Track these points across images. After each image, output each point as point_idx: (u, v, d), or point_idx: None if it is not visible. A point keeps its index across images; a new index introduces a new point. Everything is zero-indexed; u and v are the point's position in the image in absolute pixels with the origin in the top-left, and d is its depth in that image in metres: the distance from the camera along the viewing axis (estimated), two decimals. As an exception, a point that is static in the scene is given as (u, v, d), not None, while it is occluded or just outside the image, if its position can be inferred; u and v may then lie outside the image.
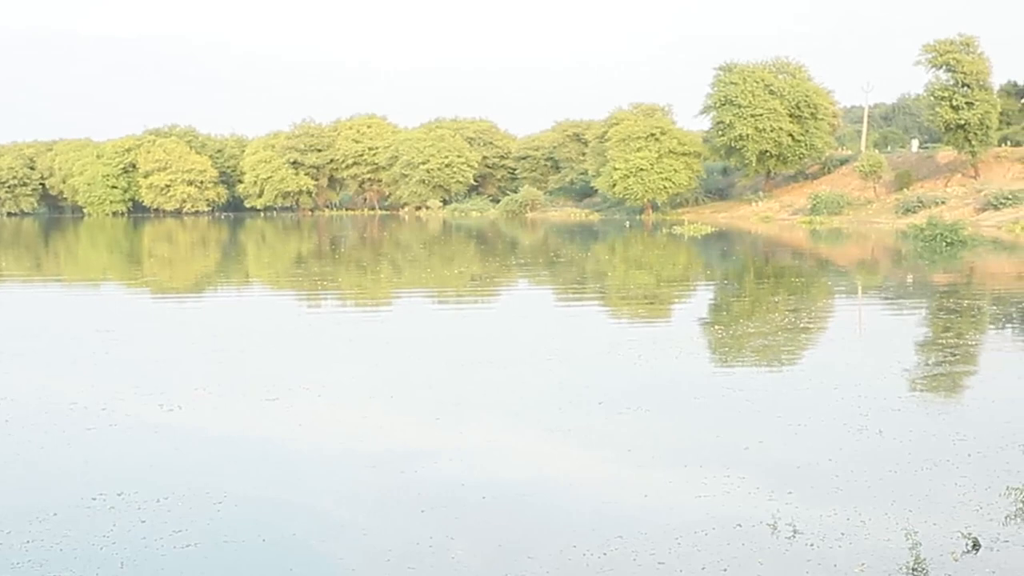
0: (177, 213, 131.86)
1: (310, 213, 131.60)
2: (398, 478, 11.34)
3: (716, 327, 23.85)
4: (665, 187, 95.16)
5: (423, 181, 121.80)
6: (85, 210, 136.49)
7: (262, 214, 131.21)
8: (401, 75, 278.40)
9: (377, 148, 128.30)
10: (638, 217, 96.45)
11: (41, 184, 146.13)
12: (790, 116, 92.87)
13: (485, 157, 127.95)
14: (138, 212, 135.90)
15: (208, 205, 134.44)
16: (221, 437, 13.35)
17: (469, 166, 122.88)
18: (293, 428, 13.67)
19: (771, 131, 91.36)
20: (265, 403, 15.12)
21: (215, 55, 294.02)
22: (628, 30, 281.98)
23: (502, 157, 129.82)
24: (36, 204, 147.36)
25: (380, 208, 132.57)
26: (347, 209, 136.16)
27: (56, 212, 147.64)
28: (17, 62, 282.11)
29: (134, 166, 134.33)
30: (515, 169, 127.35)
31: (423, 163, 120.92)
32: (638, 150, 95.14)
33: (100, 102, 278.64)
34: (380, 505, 10.47)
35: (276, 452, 12.55)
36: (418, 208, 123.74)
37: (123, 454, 12.43)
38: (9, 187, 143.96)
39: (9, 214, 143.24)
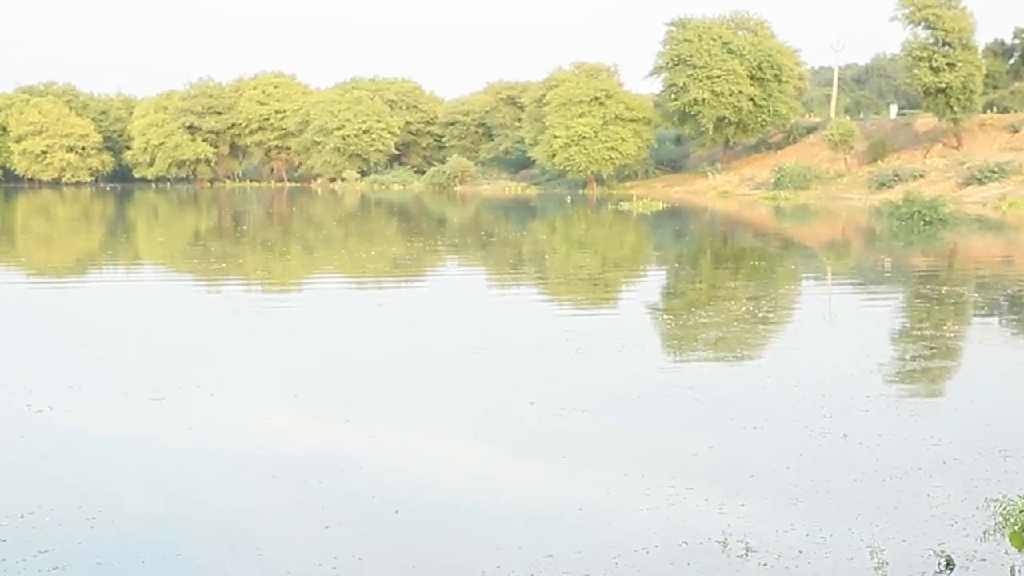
0: (55, 183, 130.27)
1: (209, 185, 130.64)
2: (300, 488, 11.25)
3: (666, 317, 23.95)
4: (611, 158, 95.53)
5: (338, 149, 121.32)
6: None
7: (154, 185, 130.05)
8: (311, 28, 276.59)
9: (285, 111, 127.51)
10: (581, 191, 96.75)
11: None
12: (751, 78, 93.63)
13: (408, 123, 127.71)
14: (9, 182, 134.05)
15: (91, 175, 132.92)
16: (98, 442, 13.18)
17: (390, 133, 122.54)
18: (182, 432, 13.53)
19: (730, 95, 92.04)
20: (150, 403, 14.95)
21: (90, 2, 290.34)
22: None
23: (428, 123, 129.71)
24: None
25: (289, 180, 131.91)
26: (251, 181, 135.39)
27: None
28: None
29: (4, 129, 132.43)
30: (442, 136, 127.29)
31: (337, 129, 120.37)
32: (580, 116, 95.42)
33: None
34: (280, 520, 10.38)
35: (161, 460, 12.40)
36: (332, 180, 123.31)
37: (-17, 462, 12.24)
38: None
39: None
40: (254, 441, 13.15)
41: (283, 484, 11.42)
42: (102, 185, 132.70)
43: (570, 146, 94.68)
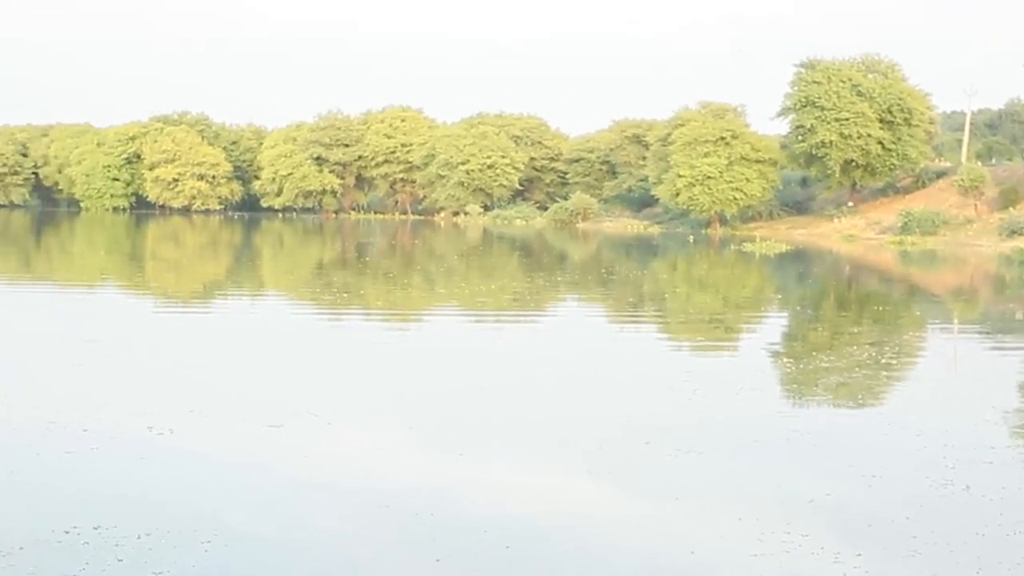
0: (185, 211, 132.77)
1: (334, 216, 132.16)
2: (413, 520, 11.26)
3: (786, 360, 23.66)
4: (735, 198, 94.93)
5: (462, 183, 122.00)
6: (82, 204, 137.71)
7: (280, 215, 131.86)
8: (440, 64, 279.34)
9: (411, 145, 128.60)
10: (703, 231, 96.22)
11: (34, 173, 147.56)
12: (880, 121, 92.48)
13: (533, 158, 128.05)
14: (141, 208, 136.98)
15: (220, 203, 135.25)
16: (215, 466, 13.32)
17: (514, 168, 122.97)
18: (297, 459, 13.63)
19: (858, 138, 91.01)
20: (267, 429, 15.09)
21: (229, 33, 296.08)
22: (695, 19, 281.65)
23: (552, 159, 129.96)
24: (28, 196, 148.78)
25: (413, 212, 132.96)
26: (376, 212, 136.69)
27: (50, 205, 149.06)
28: (10, 37, 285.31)
29: (139, 157, 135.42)
30: (566, 173, 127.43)
31: (462, 163, 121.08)
32: (705, 155, 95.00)
33: (102, 83, 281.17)
34: (391, 550, 10.40)
35: (276, 485, 12.50)
36: (455, 214, 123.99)
37: (103, 482, 12.42)
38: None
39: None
40: (368, 470, 13.20)
41: (395, 514, 11.44)
42: (230, 213, 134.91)
43: (694, 185, 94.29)
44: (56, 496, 11.78)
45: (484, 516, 11.48)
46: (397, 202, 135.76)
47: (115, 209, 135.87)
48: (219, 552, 10.15)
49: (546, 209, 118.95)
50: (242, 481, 12.72)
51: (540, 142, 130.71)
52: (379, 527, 11.08)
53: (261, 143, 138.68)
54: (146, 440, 14.30)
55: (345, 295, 36.49)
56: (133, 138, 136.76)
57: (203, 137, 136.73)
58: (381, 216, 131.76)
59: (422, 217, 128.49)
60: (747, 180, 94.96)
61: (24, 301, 34.25)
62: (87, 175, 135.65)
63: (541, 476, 13.19)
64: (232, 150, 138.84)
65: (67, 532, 10.45)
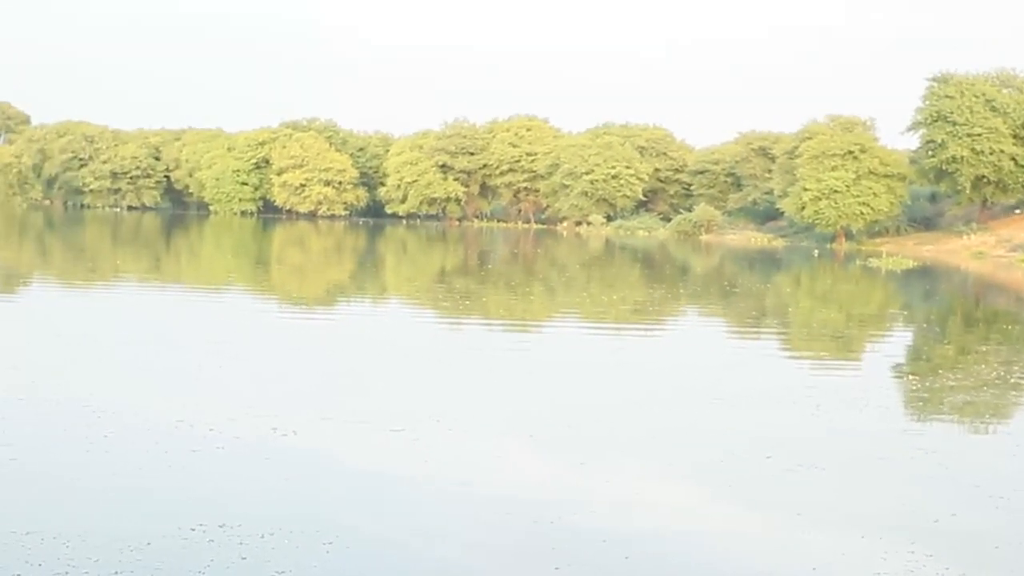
0: (311, 216, 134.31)
1: (457, 223, 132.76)
2: (532, 528, 11.30)
3: (911, 377, 23.29)
4: (862, 213, 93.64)
5: (585, 193, 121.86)
6: (211, 207, 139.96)
7: (404, 222, 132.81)
8: (567, 74, 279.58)
9: (536, 154, 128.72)
10: (828, 246, 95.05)
11: (166, 177, 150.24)
12: (1014, 137, 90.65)
13: (657, 169, 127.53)
14: (268, 212, 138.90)
15: (345, 209, 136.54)
16: (338, 469, 13.48)
17: (639, 179, 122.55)
18: (419, 464, 13.74)
19: (990, 153, 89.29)
20: (389, 434, 15.24)
21: (357, 42, 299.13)
22: (825, 27, 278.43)
23: (676, 170, 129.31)
24: (159, 198, 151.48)
25: (536, 221, 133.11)
26: (499, 221, 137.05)
27: (180, 208, 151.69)
28: (144, 44, 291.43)
29: (267, 162, 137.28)
30: (690, 185, 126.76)
31: (587, 173, 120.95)
32: (833, 169, 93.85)
33: (233, 89, 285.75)
34: (510, 557, 10.44)
35: (398, 489, 12.62)
36: (578, 223, 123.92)
37: (228, 481, 12.64)
38: (131, 178, 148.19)
39: (130, 208, 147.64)
40: (488, 478, 13.26)
41: (515, 521, 11.49)
42: (355, 219, 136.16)
43: (820, 199, 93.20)
44: (182, 494, 12.00)
45: (604, 526, 11.46)
46: (520, 211, 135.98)
47: (243, 213, 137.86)
48: (340, 553, 10.26)
49: (669, 220, 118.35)
50: (364, 484, 12.85)
51: (665, 153, 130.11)
52: (499, 534, 11.13)
53: (387, 150, 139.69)
54: (270, 441, 14.52)
55: (467, 303, 36.69)
56: (262, 143, 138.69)
57: (331, 143, 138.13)
58: (504, 225, 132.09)
59: (544, 226, 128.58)
60: (874, 195, 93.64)
61: (153, 302, 34.93)
62: (217, 179, 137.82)
63: (662, 488, 13.15)
64: (359, 156, 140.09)
65: (192, 529, 10.64)
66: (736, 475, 13.75)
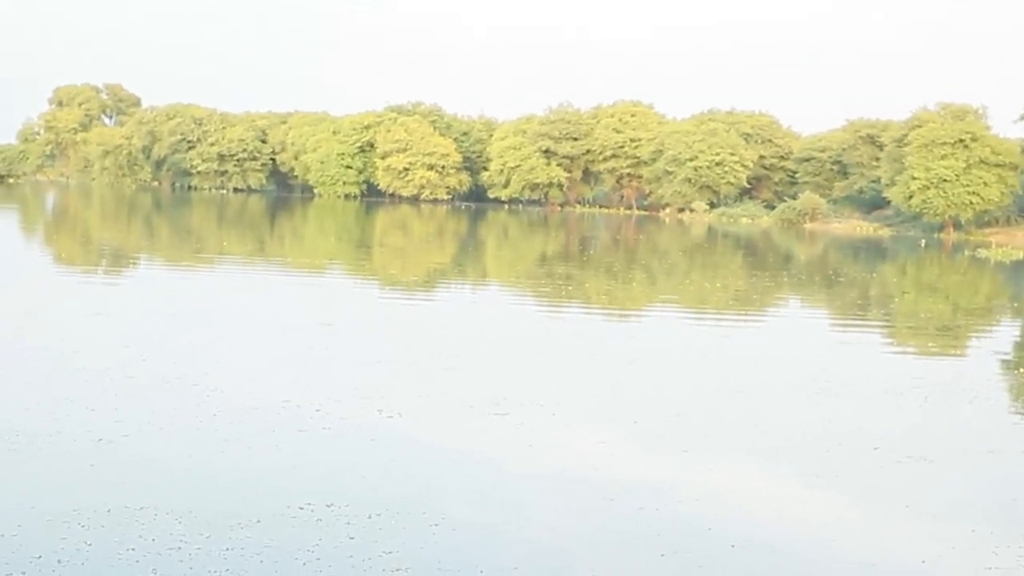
0: (414, 199, 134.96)
1: (559, 208, 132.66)
2: (637, 514, 11.31)
3: (1021, 370, 22.93)
4: (971, 202, 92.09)
5: (688, 180, 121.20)
6: (316, 190, 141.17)
7: (506, 206, 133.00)
8: (673, 59, 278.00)
9: (640, 140, 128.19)
10: (936, 235, 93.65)
11: (272, 159, 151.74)
12: None
13: (762, 156, 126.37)
14: (372, 196, 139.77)
15: (448, 193, 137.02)
16: (443, 451, 13.57)
17: (743, 166, 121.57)
18: (523, 448, 13.81)
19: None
20: (493, 417, 15.33)
21: (463, 27, 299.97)
22: (940, 16, 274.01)
23: (781, 158, 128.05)
24: (264, 180, 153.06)
25: (638, 208, 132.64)
26: (600, 207, 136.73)
27: (285, 190, 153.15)
28: (252, 29, 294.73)
29: (371, 145, 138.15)
30: (795, 172, 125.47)
31: (690, 159, 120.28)
32: (942, 158, 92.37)
33: (341, 73, 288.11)
34: (614, 543, 10.46)
35: (502, 473, 12.69)
36: (680, 210, 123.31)
37: (335, 462, 12.79)
38: (238, 160, 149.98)
39: (236, 190, 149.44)
40: (592, 463, 13.28)
41: (618, 507, 11.51)
42: (457, 203, 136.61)
43: (928, 188, 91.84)
44: (290, 473, 12.17)
45: (708, 514, 11.44)
46: (622, 197, 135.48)
47: (346, 196, 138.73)
48: (446, 535, 10.35)
49: (773, 208, 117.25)
50: (469, 467, 12.94)
51: (770, 140, 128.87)
52: (603, 519, 11.15)
53: (491, 135, 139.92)
54: (376, 423, 14.66)
55: (568, 288, 36.69)
56: (367, 127, 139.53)
57: (435, 128, 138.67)
58: (606, 210, 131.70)
59: (647, 213, 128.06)
60: (985, 184, 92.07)
61: (259, 283, 35.34)
62: (322, 162, 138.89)
63: (766, 477, 13.09)
64: (462, 141, 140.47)
65: (301, 508, 10.80)
66: (842, 466, 13.64)
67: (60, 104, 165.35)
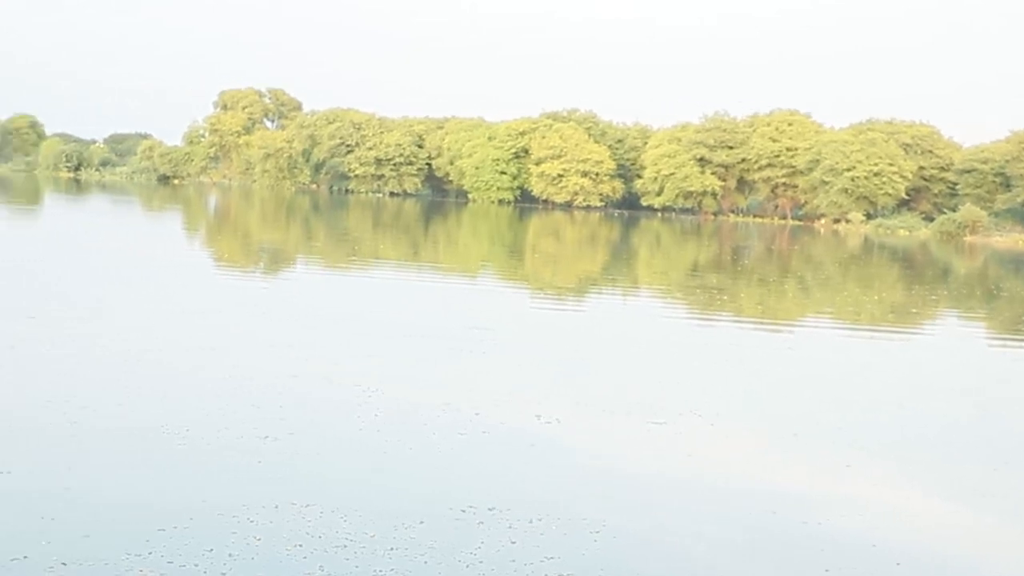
0: (567, 206, 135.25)
1: (712, 217, 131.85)
2: (800, 528, 11.19)
3: None
4: None
5: (845, 190, 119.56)
6: (470, 195, 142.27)
7: (659, 214, 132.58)
8: (831, 67, 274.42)
9: (796, 149, 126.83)
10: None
11: (427, 164, 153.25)
12: None
13: (921, 167, 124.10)
14: (525, 201, 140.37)
15: (601, 200, 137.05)
16: (601, 458, 13.55)
17: (901, 177, 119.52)
18: (682, 458, 13.74)
19: None
20: (650, 426, 15.28)
21: (618, 34, 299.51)
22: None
23: (942, 169, 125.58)
24: (420, 185, 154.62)
25: (792, 218, 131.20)
26: (754, 216, 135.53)
27: (439, 195, 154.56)
28: (409, 36, 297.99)
29: (526, 151, 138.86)
30: (956, 184, 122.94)
31: (848, 170, 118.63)
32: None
33: (497, 79, 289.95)
34: (777, 557, 10.36)
35: (662, 482, 12.64)
36: (836, 221, 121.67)
37: (494, 465, 12.86)
38: (395, 165, 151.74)
39: (391, 194, 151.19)
40: (752, 474, 13.16)
41: (782, 522, 11.39)
42: (610, 210, 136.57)
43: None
44: (451, 475, 12.27)
45: (873, 530, 11.27)
46: (777, 206, 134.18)
47: (500, 202, 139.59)
48: (607, 544, 10.34)
49: (932, 220, 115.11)
50: (629, 475, 12.91)
51: (931, 151, 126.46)
52: (766, 533, 11.05)
53: (646, 142, 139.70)
54: (534, 428, 14.71)
55: (723, 298, 36.41)
56: (523, 133, 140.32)
57: (590, 134, 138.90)
58: (759, 220, 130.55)
59: (801, 223, 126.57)
60: None
61: (414, 287, 35.67)
62: (476, 167, 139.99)
63: (931, 495, 12.85)
64: (617, 148, 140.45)
65: (463, 511, 10.88)
66: (1011, 485, 13.34)
67: (225, 108, 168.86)
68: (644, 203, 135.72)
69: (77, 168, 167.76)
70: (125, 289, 28.18)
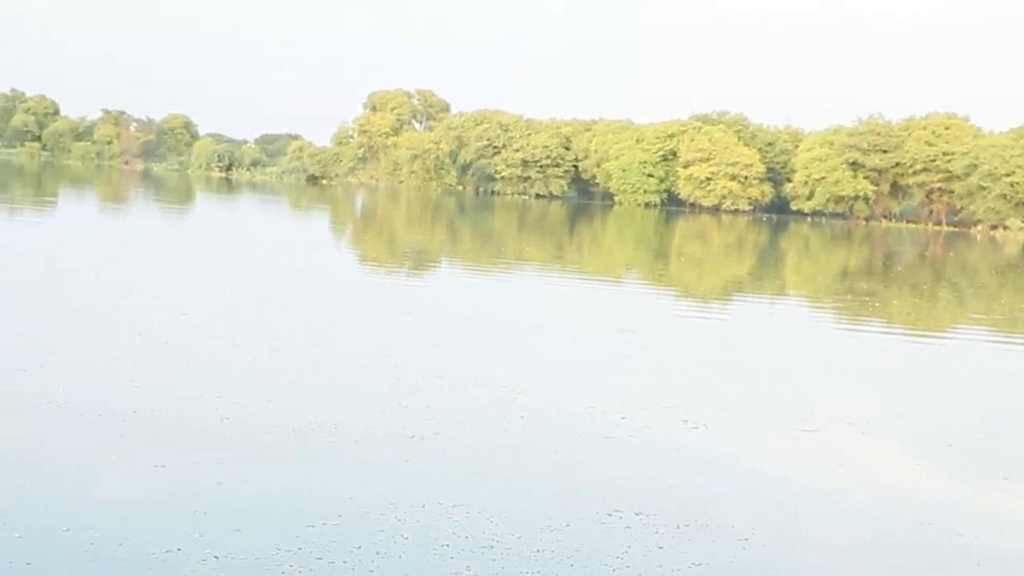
0: (714, 210, 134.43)
1: (864, 222, 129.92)
2: (955, 541, 10.97)
3: None
4: None
5: (1004, 196, 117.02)
6: (616, 198, 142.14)
7: (808, 219, 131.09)
8: (991, 70, 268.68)
9: (953, 153, 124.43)
10: None
11: (574, 166, 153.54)
12: None
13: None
14: (671, 204, 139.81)
15: (749, 203, 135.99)
16: (750, 465, 13.41)
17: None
18: (832, 466, 13.55)
19: None
20: (800, 433, 15.11)
21: (767, 34, 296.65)
22: None
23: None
24: (566, 187, 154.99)
25: (947, 223, 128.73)
26: (907, 222, 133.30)
27: (585, 197, 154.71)
28: (554, 36, 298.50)
29: (674, 154, 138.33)
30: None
31: (1007, 175, 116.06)
32: None
33: (647, 81, 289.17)
34: (932, 570, 10.19)
35: (812, 491, 12.48)
36: (993, 227, 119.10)
37: (642, 470, 12.80)
38: (541, 167, 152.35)
39: (537, 195, 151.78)
40: (905, 485, 12.92)
41: (936, 533, 11.17)
42: (759, 214, 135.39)
43: None
44: (597, 479, 12.24)
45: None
46: (931, 212, 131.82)
47: (647, 204, 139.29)
48: (756, 552, 10.23)
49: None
50: (778, 483, 12.77)
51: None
52: (920, 544, 10.84)
53: (797, 145, 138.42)
54: (682, 433, 14.63)
55: (875, 305, 35.86)
56: (671, 136, 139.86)
57: (739, 137, 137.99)
58: (912, 225, 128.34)
59: (956, 229, 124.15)
60: None
61: (558, 289, 35.69)
62: (623, 170, 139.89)
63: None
64: (767, 151, 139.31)
65: (609, 515, 10.86)
66: None
67: (374, 109, 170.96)
68: (793, 207, 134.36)
69: (228, 168, 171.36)
70: (275, 288, 28.71)
